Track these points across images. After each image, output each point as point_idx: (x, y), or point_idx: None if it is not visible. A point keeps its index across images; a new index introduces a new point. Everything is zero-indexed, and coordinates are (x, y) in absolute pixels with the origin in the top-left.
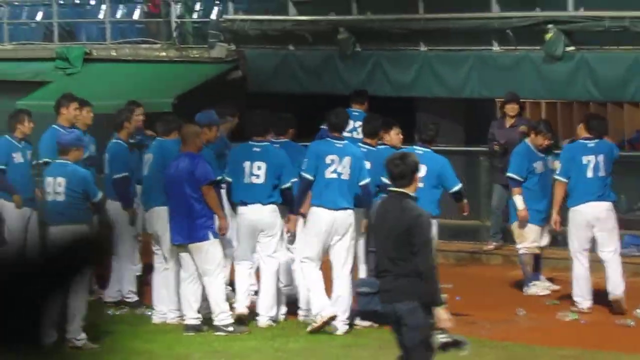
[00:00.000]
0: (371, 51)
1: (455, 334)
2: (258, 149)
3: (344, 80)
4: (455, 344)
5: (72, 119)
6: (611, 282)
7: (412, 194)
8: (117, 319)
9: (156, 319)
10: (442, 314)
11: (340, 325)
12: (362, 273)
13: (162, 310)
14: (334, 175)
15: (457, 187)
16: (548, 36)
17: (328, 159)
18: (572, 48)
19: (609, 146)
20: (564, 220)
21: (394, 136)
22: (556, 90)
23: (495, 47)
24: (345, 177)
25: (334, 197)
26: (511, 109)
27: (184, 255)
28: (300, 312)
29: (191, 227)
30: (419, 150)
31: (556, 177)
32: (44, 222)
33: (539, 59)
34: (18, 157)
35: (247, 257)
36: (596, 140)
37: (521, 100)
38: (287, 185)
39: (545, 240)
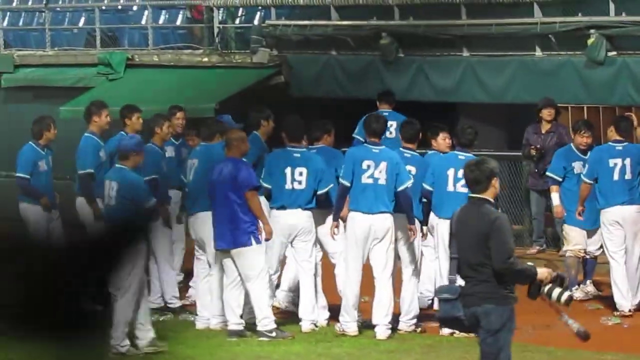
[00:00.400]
0: (414, 56)
1: None
2: (298, 155)
3: (387, 86)
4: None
5: (105, 126)
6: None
7: (490, 199)
8: (159, 324)
9: (199, 324)
10: (542, 272)
11: (383, 330)
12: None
13: (205, 315)
14: (370, 181)
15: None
16: (590, 41)
17: (365, 165)
18: (613, 53)
19: (638, 149)
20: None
21: (441, 141)
22: (598, 95)
23: (538, 52)
24: (382, 182)
25: (370, 201)
26: (547, 114)
27: (227, 261)
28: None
29: (234, 233)
30: (461, 155)
31: (582, 177)
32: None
33: (580, 63)
34: (42, 165)
35: (273, 265)
36: (624, 144)
37: (562, 105)
38: (324, 190)
39: (594, 246)
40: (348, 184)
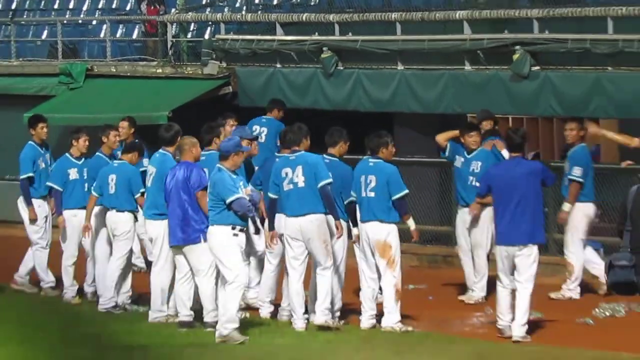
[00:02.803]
0: (352, 69)
1: None
2: None
3: (327, 97)
4: None
5: (42, 135)
6: None
7: None
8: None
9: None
10: None
11: (318, 317)
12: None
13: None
14: (291, 186)
15: (402, 193)
16: (515, 57)
17: (283, 173)
18: (537, 68)
19: None
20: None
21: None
22: (522, 107)
23: (467, 67)
24: (301, 185)
25: (295, 205)
26: (486, 125)
27: (179, 257)
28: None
29: (185, 231)
30: (371, 161)
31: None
32: None
33: (507, 77)
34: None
35: None
36: None
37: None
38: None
39: None
40: (274, 196)
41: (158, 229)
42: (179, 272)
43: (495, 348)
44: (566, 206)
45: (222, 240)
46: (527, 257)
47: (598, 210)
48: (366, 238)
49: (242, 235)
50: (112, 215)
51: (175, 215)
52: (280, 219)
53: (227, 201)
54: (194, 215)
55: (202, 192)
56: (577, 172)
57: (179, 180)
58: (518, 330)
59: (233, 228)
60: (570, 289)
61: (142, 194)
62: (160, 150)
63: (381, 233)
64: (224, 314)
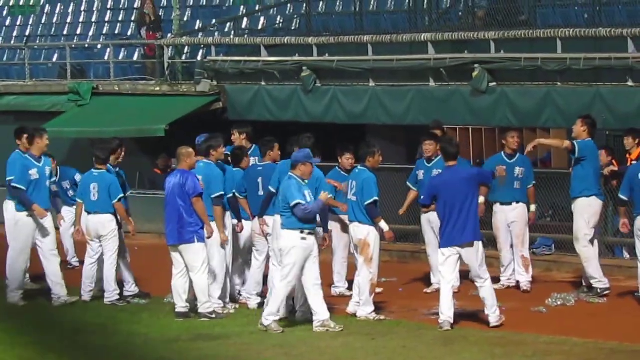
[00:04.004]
0: (329, 86)
1: None
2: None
3: (307, 110)
4: None
5: (26, 145)
6: None
7: None
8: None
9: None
10: None
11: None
12: None
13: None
14: (261, 192)
15: (371, 200)
16: (474, 74)
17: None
18: (494, 83)
19: None
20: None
21: (345, 161)
22: (481, 118)
23: (432, 83)
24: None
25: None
26: (438, 132)
27: (175, 255)
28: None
29: (180, 232)
30: (358, 168)
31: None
32: None
33: (467, 92)
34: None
35: None
36: None
37: (451, 127)
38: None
39: None
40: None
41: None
42: (176, 268)
43: (459, 333)
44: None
45: (290, 244)
46: (477, 253)
47: (549, 210)
48: (352, 237)
49: (311, 238)
50: (93, 218)
51: (172, 219)
52: (269, 220)
53: (290, 205)
54: (189, 218)
55: (197, 197)
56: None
57: (175, 186)
58: (493, 318)
59: (302, 232)
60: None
61: (119, 199)
62: (204, 161)
63: (362, 233)
64: (267, 306)
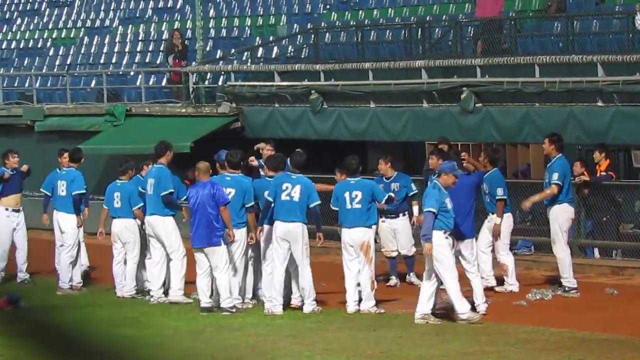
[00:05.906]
0: (334, 108)
1: None
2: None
3: (315, 129)
4: None
5: (14, 165)
6: None
7: None
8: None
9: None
10: None
11: (307, 306)
12: None
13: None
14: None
15: (386, 197)
16: (463, 96)
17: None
18: (480, 104)
19: None
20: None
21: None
22: (469, 135)
23: (425, 104)
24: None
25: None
26: (443, 147)
27: (200, 256)
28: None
29: (209, 236)
30: (352, 180)
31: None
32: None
33: (456, 112)
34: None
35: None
36: None
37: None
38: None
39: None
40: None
41: (239, 235)
42: (200, 268)
43: (450, 324)
44: (497, 219)
45: (437, 242)
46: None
47: (529, 215)
48: (349, 240)
49: (451, 237)
50: (118, 222)
51: (201, 224)
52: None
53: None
54: (216, 224)
55: (225, 206)
56: (500, 191)
57: (206, 196)
58: (482, 307)
59: (445, 232)
60: (511, 284)
61: (139, 207)
62: (232, 173)
63: (364, 236)
64: (454, 303)
